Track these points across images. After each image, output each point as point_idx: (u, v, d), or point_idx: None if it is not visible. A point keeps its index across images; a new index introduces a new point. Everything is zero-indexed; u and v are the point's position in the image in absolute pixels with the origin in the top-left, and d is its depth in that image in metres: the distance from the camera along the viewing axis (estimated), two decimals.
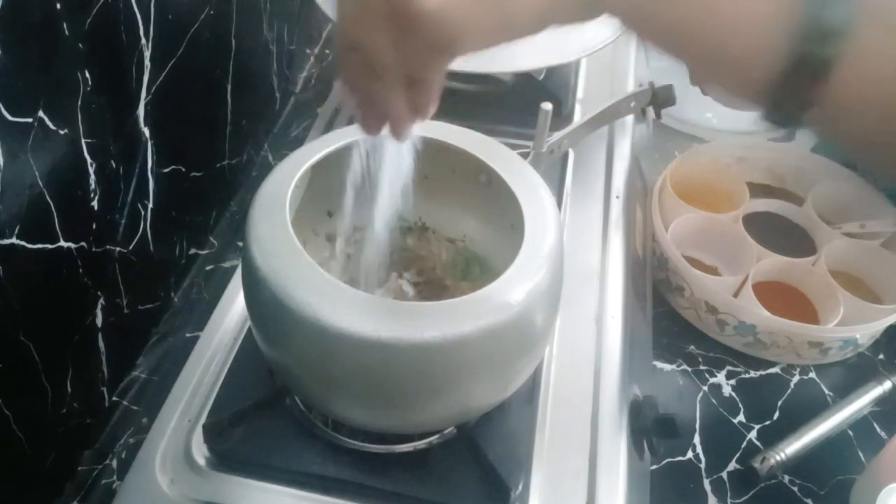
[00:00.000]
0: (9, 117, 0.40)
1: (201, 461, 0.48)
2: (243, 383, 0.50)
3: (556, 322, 0.46)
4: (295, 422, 0.49)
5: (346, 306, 0.38)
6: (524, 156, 0.49)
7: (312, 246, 0.53)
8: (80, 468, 0.53)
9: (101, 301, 0.53)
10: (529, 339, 0.42)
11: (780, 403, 0.65)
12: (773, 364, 0.68)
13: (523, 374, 0.45)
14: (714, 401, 0.65)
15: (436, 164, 0.51)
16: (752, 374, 0.67)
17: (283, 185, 0.43)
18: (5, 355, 0.43)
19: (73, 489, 0.52)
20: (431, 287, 0.54)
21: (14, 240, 0.42)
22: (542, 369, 0.52)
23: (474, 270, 0.54)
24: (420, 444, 0.47)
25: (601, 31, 0.68)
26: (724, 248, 0.74)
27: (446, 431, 0.48)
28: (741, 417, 0.64)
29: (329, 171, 0.47)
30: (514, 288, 0.39)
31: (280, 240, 0.40)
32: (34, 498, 0.50)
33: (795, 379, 0.67)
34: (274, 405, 0.49)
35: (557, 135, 0.64)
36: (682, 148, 0.83)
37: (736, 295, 0.69)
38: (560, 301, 0.44)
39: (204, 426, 0.48)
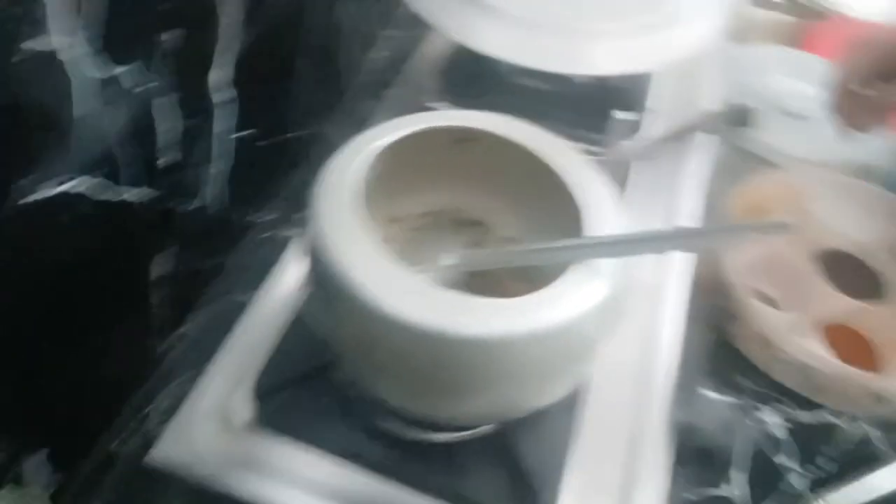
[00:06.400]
0: (91, 71, 0.41)
1: (242, 421, 0.49)
2: (291, 353, 0.51)
3: (609, 337, 0.45)
4: (339, 396, 0.49)
5: (399, 290, 0.37)
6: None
7: (374, 226, 0.53)
8: (121, 417, 0.55)
9: (159, 257, 0.54)
10: (578, 350, 0.41)
11: (828, 449, 0.62)
12: (825, 408, 0.65)
13: (566, 385, 0.44)
14: (760, 437, 0.62)
15: (499, 160, 0.50)
16: (803, 414, 0.64)
17: (352, 163, 0.43)
18: (58, 305, 0.45)
19: (113, 435, 0.54)
20: (486, 282, 0.53)
21: (82, 189, 0.43)
22: (586, 381, 0.51)
23: (532, 272, 0.53)
24: (456, 436, 0.47)
25: (683, 41, 0.66)
26: (788, 281, 0.71)
27: (483, 428, 0.47)
28: (788, 459, 0.61)
29: (396, 156, 0.47)
30: (570, 296, 0.38)
31: (346, 218, 0.40)
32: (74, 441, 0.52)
33: (848, 426, 0.64)
34: (320, 377, 0.49)
35: (627, 144, 0.62)
36: (754, 171, 0.80)
37: (796, 332, 0.66)
38: (618, 317, 0.43)
39: (251, 388, 0.49)
